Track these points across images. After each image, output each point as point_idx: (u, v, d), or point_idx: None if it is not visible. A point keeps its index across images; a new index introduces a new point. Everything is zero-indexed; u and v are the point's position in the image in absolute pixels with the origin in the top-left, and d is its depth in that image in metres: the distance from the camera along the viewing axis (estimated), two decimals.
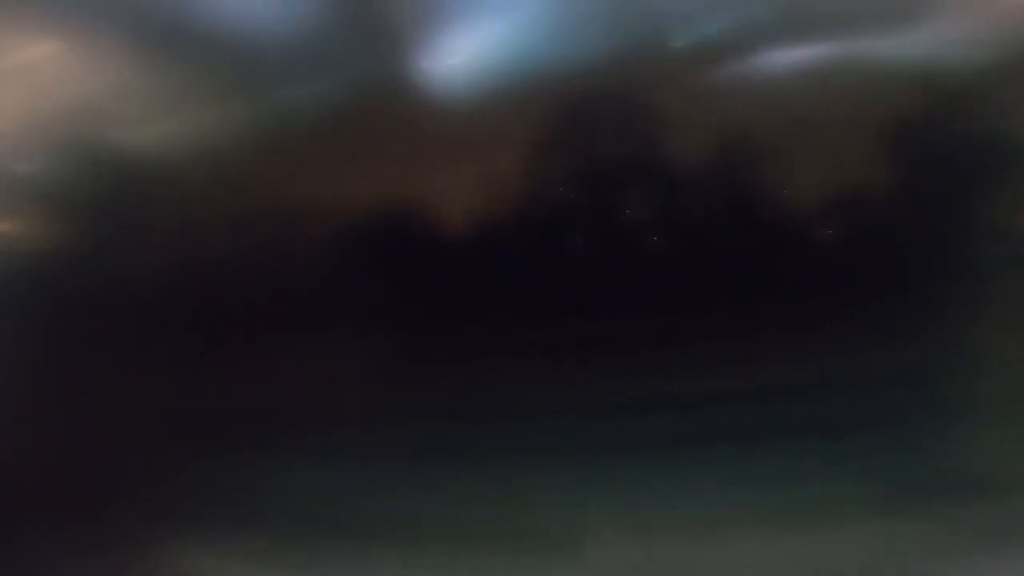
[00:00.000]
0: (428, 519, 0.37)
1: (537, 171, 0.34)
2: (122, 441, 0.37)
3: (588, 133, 0.34)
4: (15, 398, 0.36)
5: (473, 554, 0.37)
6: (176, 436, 0.37)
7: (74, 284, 0.35)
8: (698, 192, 0.34)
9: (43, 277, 0.35)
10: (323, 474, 0.37)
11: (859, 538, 0.36)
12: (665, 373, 0.35)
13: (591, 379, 0.36)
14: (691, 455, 0.36)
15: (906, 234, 0.35)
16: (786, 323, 0.35)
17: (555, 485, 0.36)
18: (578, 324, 0.35)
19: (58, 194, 0.35)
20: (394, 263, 0.35)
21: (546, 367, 0.35)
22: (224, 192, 0.35)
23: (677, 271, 0.35)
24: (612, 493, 0.36)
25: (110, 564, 0.37)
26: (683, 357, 0.35)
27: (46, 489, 0.37)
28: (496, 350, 0.35)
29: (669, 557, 0.36)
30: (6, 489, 0.37)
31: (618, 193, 0.34)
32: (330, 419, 0.36)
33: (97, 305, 0.35)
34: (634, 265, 0.34)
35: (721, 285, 0.35)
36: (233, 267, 0.35)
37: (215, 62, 0.35)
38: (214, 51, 0.35)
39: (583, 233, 0.35)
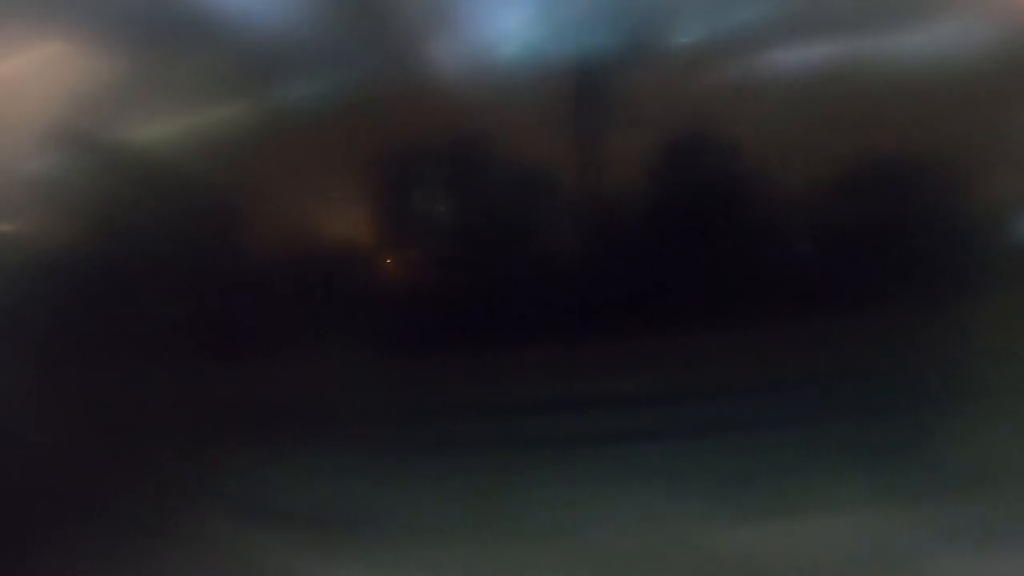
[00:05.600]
0: (427, 516, 0.37)
1: (541, 168, 0.34)
2: (122, 440, 0.37)
3: (593, 130, 0.34)
4: (18, 397, 0.36)
5: (471, 550, 0.37)
6: (178, 435, 0.37)
7: (77, 284, 0.35)
8: (701, 189, 0.34)
9: (47, 277, 0.35)
10: (323, 472, 0.37)
11: (859, 534, 0.37)
12: (663, 368, 0.35)
13: (591, 375, 0.36)
14: (690, 451, 0.36)
15: (906, 232, 0.35)
16: (785, 321, 0.35)
17: (555, 482, 0.37)
18: (578, 319, 0.35)
19: (62, 194, 0.35)
20: (395, 260, 0.35)
21: (546, 363, 0.35)
22: (229, 191, 0.35)
23: (677, 267, 0.35)
24: (611, 490, 0.37)
25: (110, 561, 0.37)
26: (681, 353, 0.35)
27: (50, 487, 0.37)
28: (496, 347, 0.35)
29: (667, 552, 0.37)
30: (12, 488, 0.37)
31: (620, 189, 0.34)
32: (330, 417, 0.36)
33: (101, 304, 0.35)
34: (636, 260, 0.35)
35: (721, 281, 0.35)
36: (238, 266, 0.35)
37: (218, 60, 0.35)
38: (217, 49, 0.35)
39: (585, 229, 0.35)
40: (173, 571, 0.37)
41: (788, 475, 0.36)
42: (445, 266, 0.35)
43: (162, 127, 0.35)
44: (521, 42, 0.34)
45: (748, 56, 0.34)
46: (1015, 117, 0.34)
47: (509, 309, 0.35)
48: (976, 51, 0.34)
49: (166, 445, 0.37)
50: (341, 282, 0.35)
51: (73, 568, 0.37)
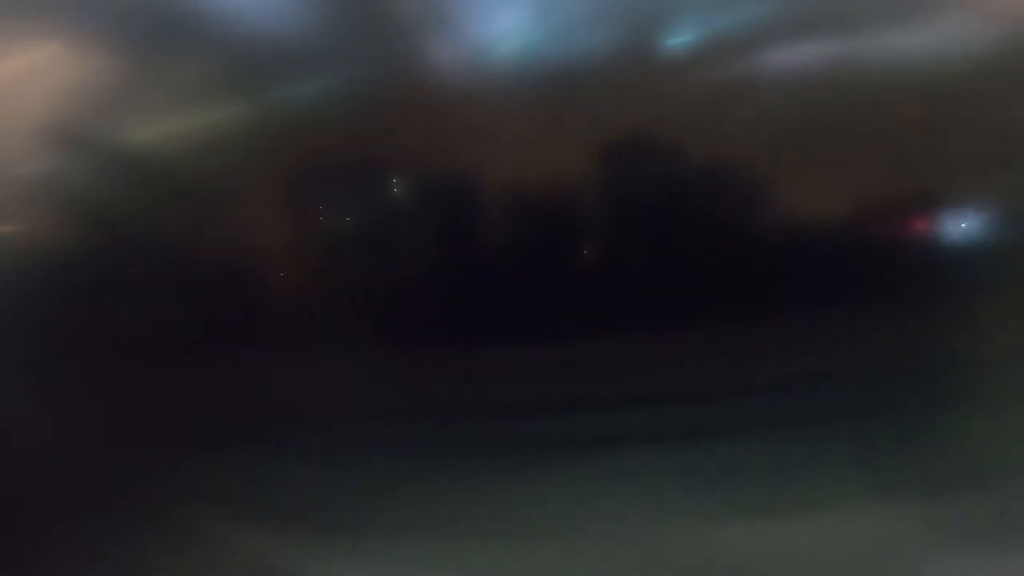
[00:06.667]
0: (427, 516, 0.37)
1: (536, 167, 0.34)
2: (122, 440, 0.37)
3: (589, 129, 0.34)
4: (18, 397, 0.36)
5: (471, 550, 0.37)
6: (178, 435, 0.37)
7: (77, 284, 0.35)
8: (701, 189, 0.34)
9: (47, 277, 0.35)
10: (323, 472, 0.37)
11: (859, 534, 0.37)
12: (663, 369, 0.35)
13: (592, 375, 0.36)
14: (690, 451, 0.36)
15: (906, 232, 0.35)
16: (783, 320, 0.35)
17: (554, 482, 0.37)
18: (581, 320, 0.35)
19: (62, 195, 0.35)
20: (394, 259, 0.35)
21: (546, 364, 0.35)
22: (228, 191, 0.35)
23: (673, 267, 0.35)
24: (611, 490, 0.37)
25: (110, 561, 0.37)
26: (679, 352, 0.35)
27: (50, 487, 0.37)
28: (497, 347, 0.35)
29: (666, 552, 0.37)
30: (12, 487, 0.37)
31: (615, 191, 0.34)
32: (330, 418, 0.36)
33: (99, 305, 0.35)
34: (636, 259, 0.35)
35: (718, 281, 0.35)
36: (238, 266, 0.35)
37: (216, 61, 0.35)
38: (215, 50, 0.35)
39: (578, 229, 0.35)
40: (173, 571, 0.37)
41: (788, 475, 0.36)
42: (443, 265, 0.35)
43: (162, 127, 0.35)
44: (517, 42, 0.34)
45: (746, 57, 0.34)
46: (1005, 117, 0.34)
47: (511, 309, 0.35)
48: (970, 51, 0.34)
49: (166, 445, 0.37)
50: (341, 282, 0.35)
51: (73, 568, 0.37)
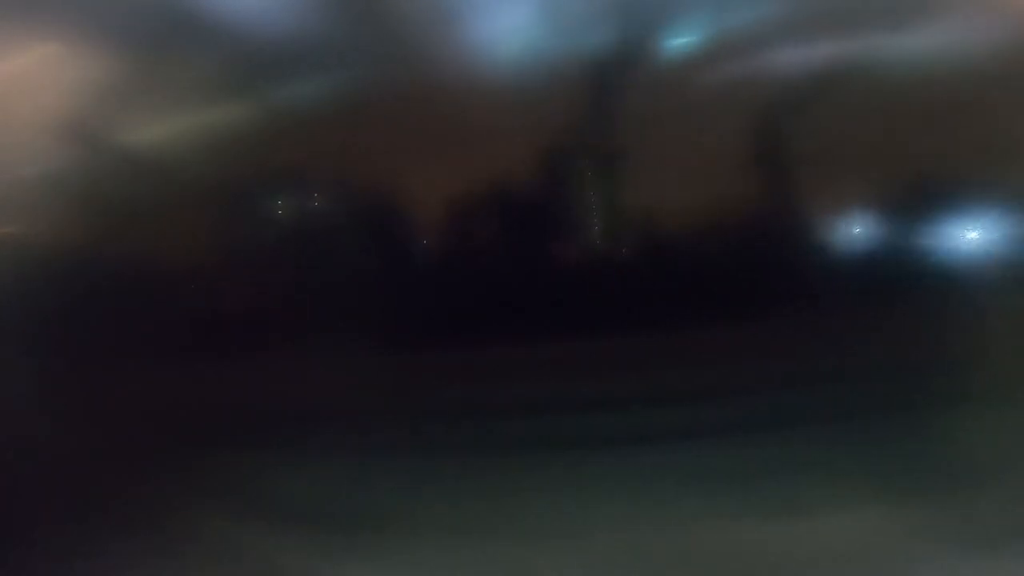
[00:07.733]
0: (428, 516, 0.37)
1: (535, 168, 0.34)
2: (123, 440, 0.37)
3: (587, 128, 0.34)
4: (19, 397, 0.36)
5: (472, 550, 0.37)
6: (179, 435, 0.37)
7: (78, 284, 0.35)
8: (704, 188, 0.34)
9: (47, 277, 0.35)
10: (324, 472, 0.37)
11: (859, 534, 0.37)
12: (660, 368, 0.35)
13: (593, 375, 0.36)
14: (686, 449, 0.36)
15: (902, 229, 0.35)
16: (780, 319, 0.35)
17: (555, 482, 0.37)
18: (572, 318, 0.35)
19: (62, 195, 0.35)
20: (393, 258, 0.35)
21: (547, 364, 0.35)
22: (230, 191, 0.35)
23: (670, 267, 0.35)
24: (612, 490, 0.37)
25: (110, 560, 0.37)
26: (679, 351, 0.35)
27: (50, 487, 0.37)
28: (498, 347, 0.35)
29: (667, 552, 0.37)
30: (12, 487, 0.37)
31: (611, 190, 0.34)
32: (330, 418, 0.37)
33: (101, 304, 0.35)
34: (638, 261, 0.35)
35: (717, 280, 0.35)
36: (238, 265, 0.35)
37: (218, 60, 0.35)
38: (217, 49, 0.35)
39: (575, 231, 0.35)
40: (173, 571, 0.37)
41: (788, 475, 0.36)
42: (447, 263, 0.35)
43: (163, 127, 0.35)
44: (522, 41, 0.34)
45: (748, 56, 0.34)
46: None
47: (514, 309, 0.35)
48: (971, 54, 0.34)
49: (167, 445, 0.37)
50: (342, 282, 0.35)
51: (73, 568, 0.37)
